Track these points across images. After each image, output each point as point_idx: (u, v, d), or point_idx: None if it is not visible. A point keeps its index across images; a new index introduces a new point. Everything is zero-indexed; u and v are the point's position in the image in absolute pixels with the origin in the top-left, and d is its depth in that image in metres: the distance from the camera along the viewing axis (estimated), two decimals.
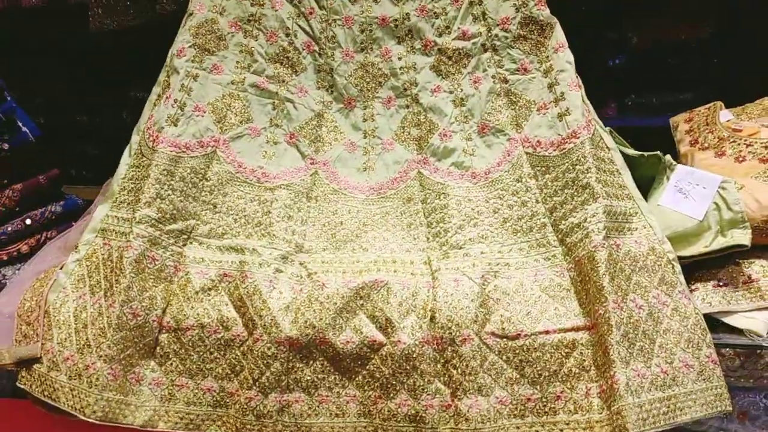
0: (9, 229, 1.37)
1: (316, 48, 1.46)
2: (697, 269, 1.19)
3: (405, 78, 1.44)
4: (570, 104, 1.31)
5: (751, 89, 1.55)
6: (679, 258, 1.16)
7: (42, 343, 1.15)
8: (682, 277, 1.14)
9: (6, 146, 1.34)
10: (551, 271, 1.20)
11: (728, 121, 1.33)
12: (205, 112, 1.37)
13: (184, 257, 1.25)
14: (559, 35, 1.37)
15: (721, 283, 1.15)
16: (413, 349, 1.10)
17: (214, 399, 1.16)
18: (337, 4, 1.47)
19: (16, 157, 1.37)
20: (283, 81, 1.45)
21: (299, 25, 1.46)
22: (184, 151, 1.32)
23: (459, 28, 1.43)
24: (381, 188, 1.39)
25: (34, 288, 1.21)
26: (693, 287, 1.16)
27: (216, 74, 1.41)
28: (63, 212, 1.48)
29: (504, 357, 1.11)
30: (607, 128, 1.36)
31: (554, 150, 1.30)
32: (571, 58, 1.35)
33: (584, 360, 1.10)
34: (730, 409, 1.06)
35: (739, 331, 1.13)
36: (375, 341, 1.12)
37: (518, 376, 1.10)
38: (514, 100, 1.39)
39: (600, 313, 1.09)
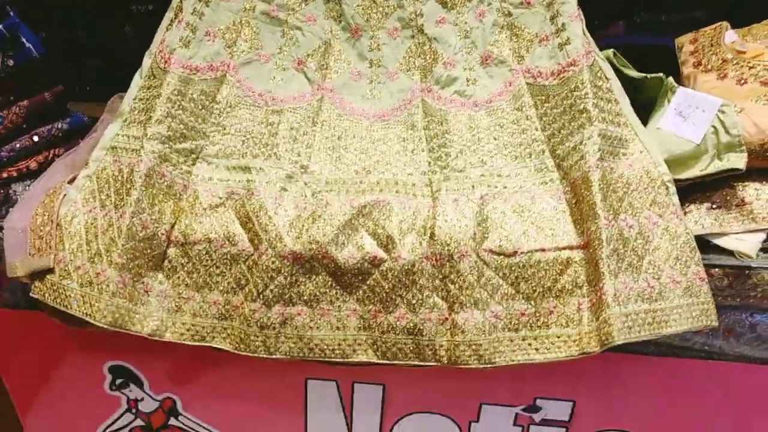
0: (17, 145, 1.38)
1: None
2: (691, 192, 1.21)
3: (411, 9, 1.43)
4: (570, 34, 1.31)
5: (764, 9, 1.53)
6: (676, 181, 1.17)
7: (54, 255, 1.19)
8: (675, 198, 1.16)
9: (11, 62, 1.33)
10: (548, 194, 1.23)
11: (733, 42, 1.31)
12: (215, 37, 1.39)
13: (192, 176, 1.29)
14: None
15: (714, 206, 1.17)
16: (413, 264, 1.14)
17: (220, 312, 1.21)
18: None
19: (21, 74, 1.36)
20: (293, 10, 1.44)
21: None
22: (195, 73, 1.35)
23: None
24: (385, 115, 1.41)
25: (45, 203, 1.24)
26: (687, 209, 1.19)
27: (227, 1, 1.41)
28: (69, 129, 1.48)
29: (500, 273, 1.15)
30: (611, 50, 1.36)
31: (554, 79, 1.31)
32: None
33: (578, 277, 1.14)
34: (716, 324, 1.11)
35: (729, 252, 1.16)
36: (376, 257, 1.16)
37: (513, 292, 1.15)
38: (517, 32, 1.39)
39: (592, 230, 1.12)
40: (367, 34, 1.45)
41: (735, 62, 1.27)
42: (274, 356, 1.18)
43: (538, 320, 1.15)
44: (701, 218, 1.17)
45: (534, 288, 1.15)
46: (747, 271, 1.14)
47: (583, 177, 1.17)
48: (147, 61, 1.37)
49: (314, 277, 1.18)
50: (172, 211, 1.24)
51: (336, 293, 1.19)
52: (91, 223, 1.22)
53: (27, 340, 1.47)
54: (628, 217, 1.15)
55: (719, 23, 1.38)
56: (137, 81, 1.36)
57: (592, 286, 1.13)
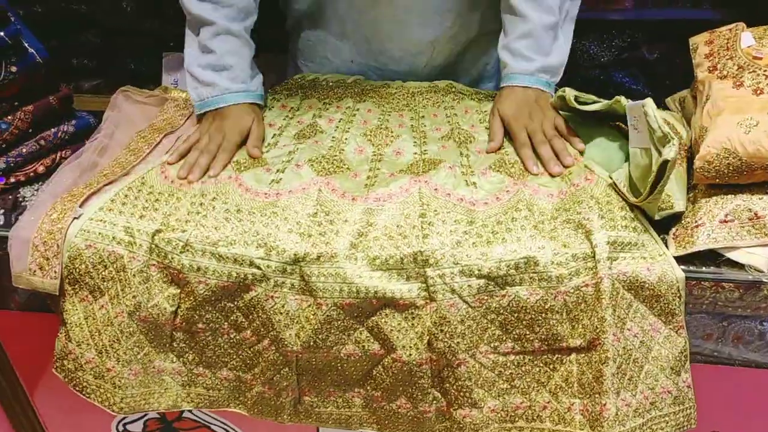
0: (24, 150, 1.38)
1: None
2: (704, 205, 1.18)
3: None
4: (571, 167, 1.30)
5: None
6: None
7: (59, 282, 1.21)
8: (683, 307, 1.14)
9: (14, 69, 1.32)
10: (544, 291, 1.12)
11: (749, 47, 1.25)
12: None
13: (182, 266, 1.16)
14: None
15: (727, 219, 1.15)
16: (411, 367, 1.14)
17: (232, 385, 1.25)
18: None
19: (25, 79, 1.35)
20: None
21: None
22: (199, 183, 1.32)
23: None
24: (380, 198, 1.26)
25: (53, 220, 1.23)
26: (699, 222, 1.16)
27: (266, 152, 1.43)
28: (75, 131, 1.48)
29: (496, 371, 1.15)
30: (572, 93, 1.33)
31: (554, 198, 1.24)
32: None
33: (569, 375, 1.15)
34: (695, 426, 1.16)
35: (740, 266, 1.15)
36: (377, 354, 1.17)
37: (509, 387, 1.16)
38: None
39: (599, 342, 1.10)
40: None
41: (751, 70, 1.21)
42: (286, 423, 1.26)
43: (533, 414, 1.16)
44: (713, 232, 1.14)
45: (528, 383, 1.16)
46: (758, 285, 1.14)
47: (594, 285, 1.10)
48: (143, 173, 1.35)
49: (318, 368, 1.20)
50: (171, 297, 1.18)
51: (340, 380, 1.21)
52: (89, 315, 1.21)
53: (42, 339, 1.49)
54: (633, 326, 1.13)
55: (735, 24, 1.30)
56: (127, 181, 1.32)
57: (585, 392, 1.13)
